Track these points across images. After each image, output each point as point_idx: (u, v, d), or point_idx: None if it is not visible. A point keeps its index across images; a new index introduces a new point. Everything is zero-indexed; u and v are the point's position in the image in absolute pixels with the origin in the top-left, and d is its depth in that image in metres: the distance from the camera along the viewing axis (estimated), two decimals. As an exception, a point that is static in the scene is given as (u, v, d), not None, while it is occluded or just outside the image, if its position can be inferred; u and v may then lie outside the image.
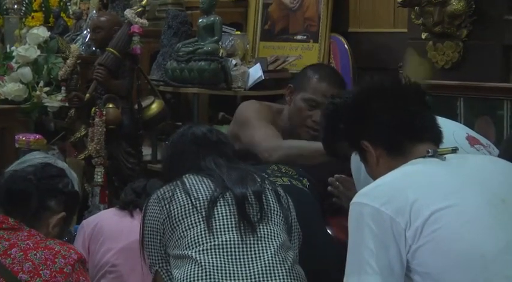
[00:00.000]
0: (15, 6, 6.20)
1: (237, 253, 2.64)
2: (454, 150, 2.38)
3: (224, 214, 2.70)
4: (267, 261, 2.64)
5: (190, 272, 2.60)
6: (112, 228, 3.22)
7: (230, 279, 2.59)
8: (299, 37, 5.14)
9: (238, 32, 5.34)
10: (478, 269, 2.11)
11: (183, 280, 2.60)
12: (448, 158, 2.33)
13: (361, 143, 2.44)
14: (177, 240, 2.70)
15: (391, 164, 2.36)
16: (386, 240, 2.17)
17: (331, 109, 3.49)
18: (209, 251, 2.62)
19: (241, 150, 3.48)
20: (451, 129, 2.51)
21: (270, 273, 2.62)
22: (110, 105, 4.72)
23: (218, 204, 2.72)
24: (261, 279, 2.60)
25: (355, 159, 3.01)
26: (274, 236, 2.71)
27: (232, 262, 2.62)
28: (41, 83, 5.17)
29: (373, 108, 2.43)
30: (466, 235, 2.14)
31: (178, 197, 2.75)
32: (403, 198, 2.19)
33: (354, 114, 2.51)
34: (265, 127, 3.94)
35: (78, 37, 5.48)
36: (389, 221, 2.17)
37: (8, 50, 5.54)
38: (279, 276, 2.62)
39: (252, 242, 2.66)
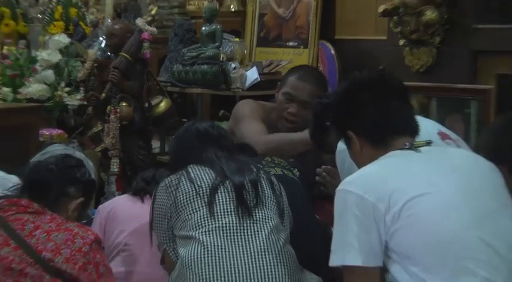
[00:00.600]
0: (39, 15, 6.19)
1: (235, 234, 2.65)
2: (429, 144, 2.38)
3: (224, 200, 2.71)
4: (261, 242, 2.65)
5: (194, 250, 2.62)
6: (125, 212, 3.22)
7: (229, 258, 2.60)
8: (291, 43, 5.13)
9: (237, 39, 5.33)
10: (448, 250, 2.12)
11: (188, 257, 2.61)
12: (424, 151, 2.34)
13: (347, 132, 2.43)
14: (182, 223, 2.71)
15: (373, 154, 2.36)
16: (368, 224, 2.18)
17: (319, 108, 3.51)
18: (211, 232, 2.64)
19: (239, 143, 3.49)
20: (425, 126, 2.51)
21: (264, 252, 2.63)
22: (123, 104, 4.74)
23: (219, 191, 2.73)
24: (257, 257, 2.62)
25: (339, 153, 3.02)
26: (268, 220, 2.72)
27: (231, 242, 2.64)
28: (62, 84, 5.17)
29: (360, 99, 2.42)
30: (438, 220, 2.15)
31: (183, 185, 2.76)
32: (383, 187, 2.20)
33: (343, 104, 2.50)
34: (253, 123, 3.95)
35: (95, 43, 5.48)
36: (371, 207, 2.18)
37: (33, 54, 5.52)
38: (272, 254, 2.63)
39: (248, 224, 2.68)
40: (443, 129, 3.09)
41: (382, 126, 2.38)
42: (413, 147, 2.34)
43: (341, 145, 2.83)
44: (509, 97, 4.13)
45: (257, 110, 4.06)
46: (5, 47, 5.83)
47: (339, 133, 2.53)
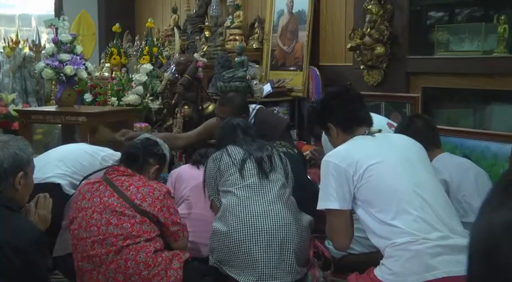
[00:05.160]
0: (134, 52, 6.20)
1: (257, 189, 2.62)
2: (380, 131, 2.34)
3: (250, 168, 2.68)
4: (274, 194, 2.61)
5: (231, 199, 2.61)
6: (187, 175, 3.17)
7: (253, 204, 2.57)
8: (291, 68, 5.06)
9: (257, 66, 5.28)
10: (393, 198, 2.07)
11: (228, 204, 2.60)
12: (377, 135, 2.29)
13: (327, 124, 2.38)
14: (223, 182, 2.69)
15: (344, 138, 2.31)
16: (341, 182, 2.14)
17: (310, 109, 3.47)
18: (241, 188, 2.61)
19: (259, 133, 3.47)
20: (378, 119, 2.47)
21: (276, 201, 2.60)
22: (186, 107, 4.72)
23: (246, 162, 2.69)
24: (271, 203, 2.58)
25: (323, 138, 2.99)
26: (278, 180, 2.68)
27: (254, 194, 2.61)
28: (148, 95, 5.16)
29: (334, 104, 2.38)
30: (386, 179, 2.10)
31: (224, 158, 2.73)
32: (351, 158, 2.15)
33: (323, 107, 2.44)
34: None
35: (168, 69, 5.43)
36: (343, 171, 2.14)
37: (130, 76, 5.51)
38: (281, 202, 2.60)
39: (265, 183, 2.64)
40: (390, 121, 3.10)
41: (350, 120, 2.33)
42: (370, 133, 2.29)
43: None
44: (429, 102, 4.11)
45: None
46: (114, 72, 5.85)
47: (322, 125, 2.46)
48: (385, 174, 2.11)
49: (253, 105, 3.90)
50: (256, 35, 5.48)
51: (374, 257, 2.22)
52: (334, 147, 2.37)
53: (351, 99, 2.37)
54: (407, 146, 2.29)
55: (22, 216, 2.15)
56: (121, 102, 5.09)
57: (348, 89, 2.49)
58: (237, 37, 5.50)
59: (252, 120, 3.73)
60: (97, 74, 5.79)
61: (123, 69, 5.90)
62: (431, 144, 2.69)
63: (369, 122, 2.34)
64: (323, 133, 2.98)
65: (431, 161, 2.39)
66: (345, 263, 2.81)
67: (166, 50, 6.04)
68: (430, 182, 2.16)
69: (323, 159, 2.24)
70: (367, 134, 2.28)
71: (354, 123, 2.31)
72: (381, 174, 2.11)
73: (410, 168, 2.15)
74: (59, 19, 4.73)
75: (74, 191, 3.00)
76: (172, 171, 3.35)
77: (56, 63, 4.45)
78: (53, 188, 2.91)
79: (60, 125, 4.58)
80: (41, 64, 4.56)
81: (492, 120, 3.75)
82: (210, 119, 4.06)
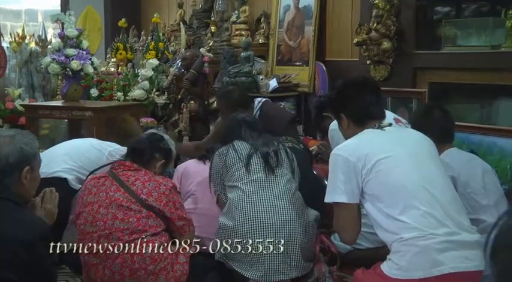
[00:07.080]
0: (140, 47, 6.20)
1: (263, 184, 2.62)
2: (390, 125, 2.30)
3: (256, 163, 2.67)
4: (280, 189, 2.61)
5: (237, 194, 2.61)
6: (193, 170, 3.16)
7: (259, 199, 2.57)
8: (297, 63, 5.05)
9: (263, 61, 5.27)
10: (401, 193, 2.04)
11: (234, 199, 2.60)
12: (387, 129, 2.25)
13: (340, 114, 2.34)
14: (230, 177, 2.68)
15: (355, 130, 2.27)
16: (350, 175, 2.11)
17: (318, 103, 3.47)
18: (248, 183, 2.61)
19: (264, 128, 3.46)
20: (386, 114, 2.42)
21: (281, 196, 2.59)
22: (192, 102, 4.74)
23: (253, 157, 2.68)
24: (276, 199, 2.58)
25: (331, 131, 2.98)
26: (284, 175, 2.67)
27: (260, 189, 2.60)
28: (154, 90, 5.15)
29: (349, 93, 2.34)
30: (395, 173, 2.08)
31: (230, 153, 2.73)
32: (360, 152, 2.13)
33: (339, 95, 2.39)
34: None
35: (174, 64, 5.42)
36: (352, 164, 2.12)
37: (136, 71, 5.50)
38: (286, 198, 2.59)
39: (271, 178, 2.63)
40: (397, 117, 3.09)
41: (363, 114, 2.29)
42: (380, 127, 2.25)
43: (332, 126, 2.79)
44: (436, 97, 4.10)
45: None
46: (120, 67, 5.85)
47: (334, 115, 2.42)
48: (394, 168, 2.08)
49: (258, 99, 3.89)
50: (262, 30, 5.46)
51: (380, 252, 2.20)
52: (344, 136, 2.35)
53: (367, 91, 2.32)
54: (417, 141, 2.26)
55: (28, 210, 2.14)
56: (127, 97, 5.09)
57: (365, 79, 2.46)
58: (243, 32, 5.48)
59: (257, 113, 3.72)
60: (103, 69, 5.79)
61: (129, 64, 5.89)
62: (445, 137, 2.65)
63: (382, 117, 2.31)
64: (329, 128, 2.98)
65: (440, 155, 2.36)
66: (351, 258, 2.80)
67: (172, 45, 6.03)
68: (439, 177, 2.13)
69: (332, 152, 2.21)
70: (378, 128, 2.25)
71: (366, 117, 2.27)
72: (389, 168, 2.08)
73: (419, 163, 2.12)
74: (65, 14, 4.73)
75: (80, 185, 3.00)
76: (178, 166, 3.34)
77: (62, 58, 4.45)
78: (59, 183, 2.91)
79: (66, 120, 4.58)
80: (47, 59, 4.56)
81: (499, 115, 3.73)
82: (217, 121, 4.06)
